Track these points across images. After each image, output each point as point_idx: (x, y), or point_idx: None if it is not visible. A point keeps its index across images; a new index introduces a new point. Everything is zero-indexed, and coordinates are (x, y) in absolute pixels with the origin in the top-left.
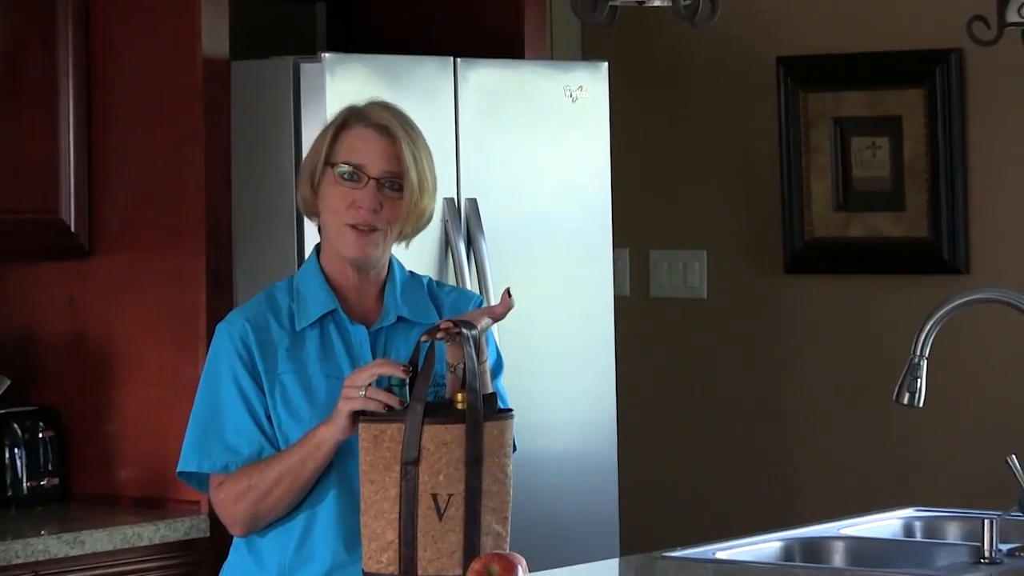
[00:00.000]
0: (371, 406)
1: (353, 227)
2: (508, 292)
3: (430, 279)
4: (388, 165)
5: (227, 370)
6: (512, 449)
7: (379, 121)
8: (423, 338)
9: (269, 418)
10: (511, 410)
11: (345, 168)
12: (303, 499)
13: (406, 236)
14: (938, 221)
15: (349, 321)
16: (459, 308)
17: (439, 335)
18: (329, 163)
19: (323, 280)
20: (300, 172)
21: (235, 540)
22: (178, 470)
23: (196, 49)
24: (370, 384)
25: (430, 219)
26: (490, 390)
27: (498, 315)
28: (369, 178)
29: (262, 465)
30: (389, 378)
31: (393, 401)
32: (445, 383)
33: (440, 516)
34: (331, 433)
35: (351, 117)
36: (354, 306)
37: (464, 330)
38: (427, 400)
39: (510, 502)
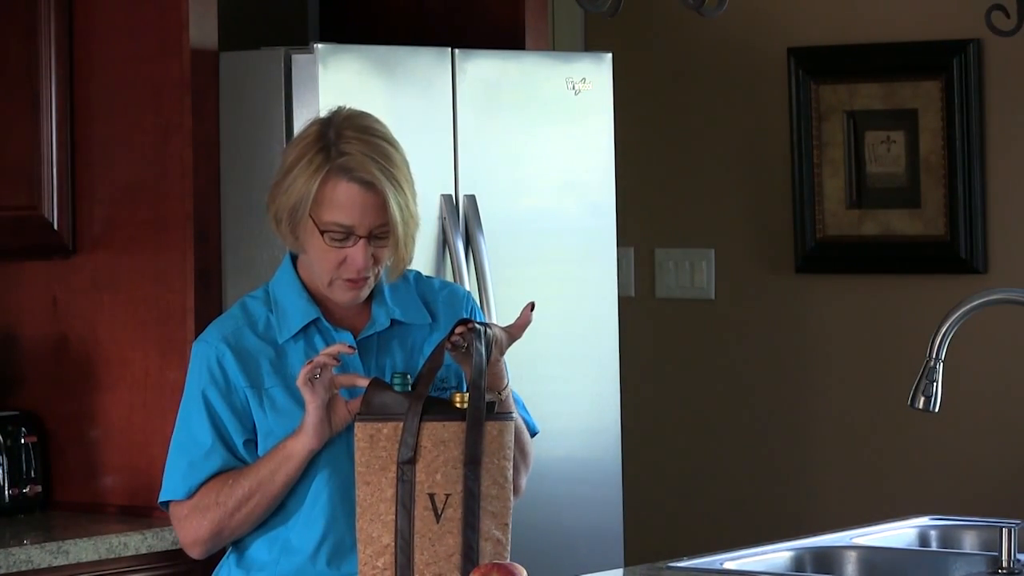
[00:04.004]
0: (322, 360)
1: (345, 279)
2: (532, 306)
3: (416, 273)
4: (376, 219)
5: (198, 393)
6: (512, 453)
7: (363, 177)
8: (447, 345)
9: (251, 442)
10: (510, 412)
11: (335, 231)
12: (293, 507)
13: (395, 273)
14: (955, 218)
15: (334, 329)
16: (452, 306)
17: (456, 336)
18: (314, 220)
19: (301, 288)
20: (276, 208)
21: (228, 552)
22: (160, 499)
23: (183, 39)
24: (317, 373)
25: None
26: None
27: (516, 330)
28: (359, 237)
29: (230, 480)
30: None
31: (344, 349)
32: (446, 387)
33: (437, 517)
34: (302, 444)
35: (332, 171)
36: (337, 313)
37: (477, 326)
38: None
39: (511, 507)
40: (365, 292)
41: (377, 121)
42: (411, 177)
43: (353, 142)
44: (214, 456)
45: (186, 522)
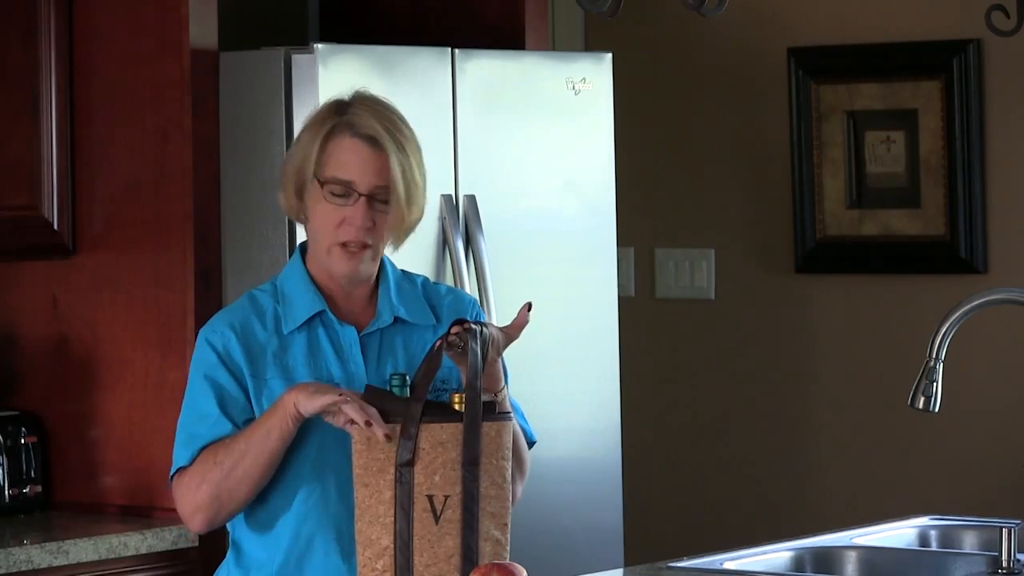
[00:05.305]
0: (338, 422)
1: (343, 245)
2: (528, 306)
3: (424, 279)
4: (377, 179)
5: (202, 375)
6: (511, 453)
7: (367, 132)
8: (437, 343)
9: (251, 420)
10: (509, 413)
11: (334, 186)
12: (289, 505)
13: (396, 243)
14: (955, 218)
15: (338, 322)
16: (457, 311)
17: (452, 336)
18: (317, 178)
19: (309, 281)
20: (284, 175)
21: (228, 552)
22: (170, 475)
23: (183, 39)
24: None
25: (418, 222)
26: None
27: (513, 331)
28: (359, 195)
29: (227, 440)
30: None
31: (379, 436)
32: (446, 388)
33: (436, 519)
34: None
35: (338, 126)
36: (343, 307)
37: (473, 326)
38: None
39: (510, 508)
40: (364, 266)
41: (391, 104)
42: (420, 150)
43: (364, 107)
44: (220, 425)
45: (186, 489)
